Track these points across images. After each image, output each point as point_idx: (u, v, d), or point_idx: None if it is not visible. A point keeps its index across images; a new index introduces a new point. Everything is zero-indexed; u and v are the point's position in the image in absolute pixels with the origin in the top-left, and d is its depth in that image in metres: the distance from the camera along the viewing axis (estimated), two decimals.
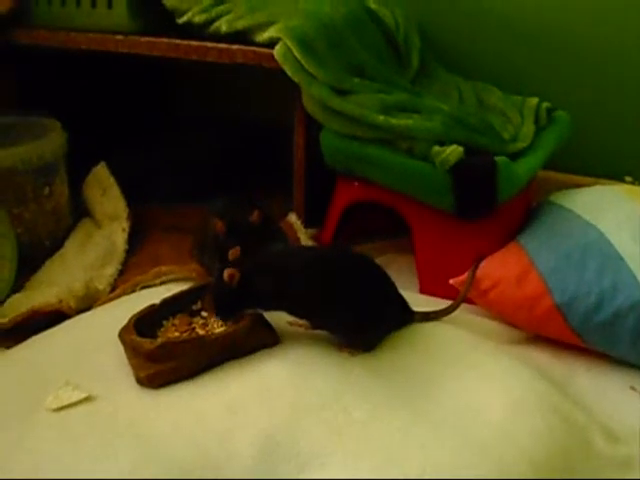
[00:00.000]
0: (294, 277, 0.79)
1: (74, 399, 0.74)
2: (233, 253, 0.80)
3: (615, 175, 1.32)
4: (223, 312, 0.80)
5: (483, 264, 0.97)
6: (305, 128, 1.07)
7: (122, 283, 1.01)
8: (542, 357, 0.91)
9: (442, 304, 0.93)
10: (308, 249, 0.96)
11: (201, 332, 0.81)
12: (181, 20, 1.09)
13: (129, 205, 1.18)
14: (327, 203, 1.14)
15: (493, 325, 0.97)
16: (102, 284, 1.02)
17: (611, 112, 1.29)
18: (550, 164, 1.16)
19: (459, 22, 1.33)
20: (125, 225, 1.14)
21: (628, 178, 1.34)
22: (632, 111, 1.28)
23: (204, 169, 1.32)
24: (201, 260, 0.95)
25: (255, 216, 0.89)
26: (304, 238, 1.10)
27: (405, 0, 1.31)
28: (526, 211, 1.11)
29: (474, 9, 1.32)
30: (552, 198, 1.10)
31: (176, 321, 0.83)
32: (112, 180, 1.19)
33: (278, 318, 0.83)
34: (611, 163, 1.32)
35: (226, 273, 0.77)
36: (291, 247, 0.94)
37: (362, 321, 0.81)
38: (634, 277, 0.88)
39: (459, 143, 0.96)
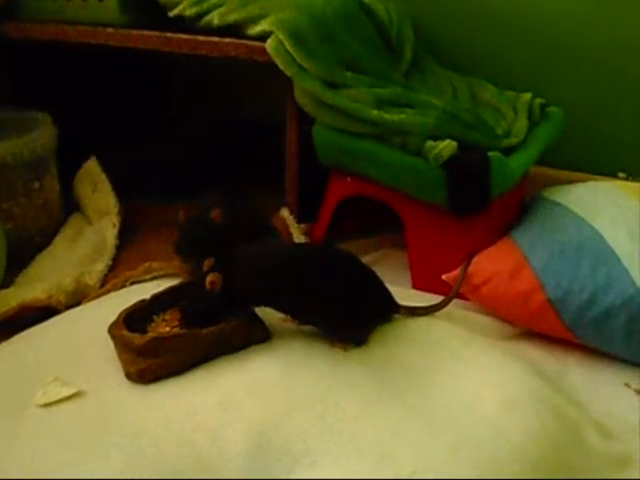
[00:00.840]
0: (277, 274, 0.78)
1: (63, 395, 0.73)
2: (207, 264, 0.79)
3: (608, 171, 1.32)
4: (209, 321, 0.78)
5: (476, 259, 0.97)
6: (297, 123, 1.07)
7: (112, 279, 1.01)
8: (535, 353, 0.91)
9: (434, 299, 0.93)
10: (290, 246, 0.95)
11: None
12: (172, 13, 1.08)
13: (121, 201, 1.17)
14: (320, 198, 1.14)
15: (486, 320, 0.96)
16: (92, 279, 1.01)
17: (604, 108, 1.28)
18: (543, 160, 1.16)
19: (453, 16, 1.33)
20: (116, 221, 1.13)
21: (621, 174, 1.34)
22: (625, 107, 1.27)
23: (196, 165, 1.31)
24: (184, 256, 0.94)
25: (215, 214, 0.88)
26: (297, 233, 1.10)
27: None
28: (519, 206, 1.11)
29: (468, 4, 1.31)
30: (545, 194, 1.10)
31: (167, 316, 0.82)
32: (103, 176, 1.18)
33: (270, 314, 0.83)
34: (604, 159, 1.32)
35: (207, 280, 0.76)
36: (273, 244, 0.94)
37: (347, 316, 0.81)
38: (627, 273, 0.88)
39: (452, 138, 0.95)
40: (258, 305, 0.81)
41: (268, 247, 0.85)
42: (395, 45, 1.17)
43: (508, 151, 1.03)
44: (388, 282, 0.88)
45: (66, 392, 0.73)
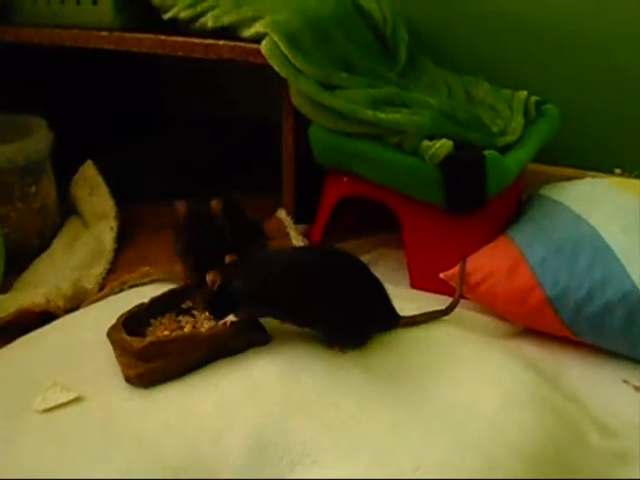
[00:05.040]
0: (275, 280, 0.78)
1: (63, 400, 0.73)
2: (229, 258, 0.79)
3: (605, 167, 1.32)
4: (212, 314, 0.80)
5: (473, 257, 0.97)
6: (294, 124, 1.07)
7: (111, 282, 1.01)
8: (534, 350, 0.91)
9: (433, 299, 0.93)
10: (290, 251, 0.94)
11: (190, 330, 0.80)
12: (167, 16, 1.08)
13: (118, 204, 1.16)
14: (317, 199, 1.14)
15: (484, 319, 0.97)
16: (90, 283, 1.01)
17: (600, 105, 1.29)
18: (540, 157, 1.16)
19: (447, 15, 1.33)
20: (113, 224, 1.13)
21: (617, 170, 1.34)
22: (621, 104, 1.28)
23: (193, 167, 1.31)
24: (185, 258, 0.94)
25: (215, 204, 0.89)
26: (294, 234, 1.10)
27: None
28: (516, 204, 1.11)
29: (462, 2, 1.32)
30: (542, 191, 1.10)
31: (165, 320, 0.82)
32: (100, 179, 1.18)
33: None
34: (600, 155, 1.32)
35: (208, 277, 0.76)
36: (273, 250, 0.94)
37: (347, 321, 0.80)
38: (624, 270, 0.88)
39: (448, 137, 0.96)
40: (258, 314, 0.81)
41: (266, 254, 0.84)
42: (390, 45, 1.17)
43: (504, 149, 1.04)
44: (386, 282, 0.87)
45: (65, 397, 0.73)
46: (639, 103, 1.27)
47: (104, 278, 1.04)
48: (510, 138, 1.06)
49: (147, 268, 0.93)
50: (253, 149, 1.36)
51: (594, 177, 1.18)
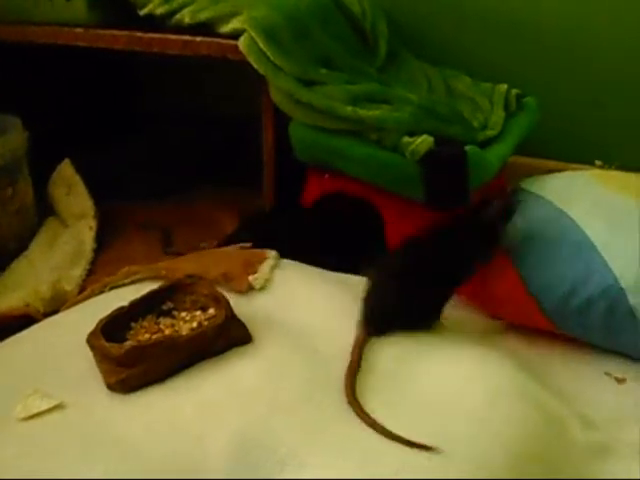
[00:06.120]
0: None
1: (44, 407, 0.72)
2: None
3: (585, 159, 1.33)
4: None
5: None
6: (273, 120, 1.05)
7: (91, 283, 1.00)
8: (518, 345, 0.92)
9: None
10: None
11: (170, 333, 0.79)
12: (142, 12, 1.06)
13: (98, 203, 1.15)
14: (299, 195, 1.13)
15: (467, 315, 0.97)
16: (70, 285, 1.00)
17: (580, 96, 1.29)
18: (521, 149, 1.16)
19: (427, 8, 1.32)
20: (92, 223, 1.12)
21: (598, 162, 1.33)
22: (601, 96, 1.28)
23: (174, 165, 1.30)
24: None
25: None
26: None
27: None
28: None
29: None
30: (524, 185, 1.10)
31: (145, 323, 0.81)
32: (77, 178, 1.16)
33: (251, 314, 0.82)
34: (581, 147, 1.33)
35: None
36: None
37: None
38: (605, 264, 0.89)
39: (429, 133, 0.95)
40: None
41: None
42: (369, 39, 1.16)
43: (485, 143, 1.04)
44: None
45: (46, 405, 0.72)
46: (619, 95, 1.28)
47: (84, 279, 1.03)
48: (491, 132, 1.06)
49: (128, 268, 0.92)
50: (235, 145, 1.35)
51: (575, 169, 1.18)
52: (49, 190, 1.19)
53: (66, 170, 1.18)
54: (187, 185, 1.29)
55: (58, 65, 1.26)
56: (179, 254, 1.04)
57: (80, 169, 1.19)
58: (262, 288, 0.92)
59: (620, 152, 1.31)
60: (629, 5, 1.22)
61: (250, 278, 0.90)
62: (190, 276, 0.87)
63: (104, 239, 1.13)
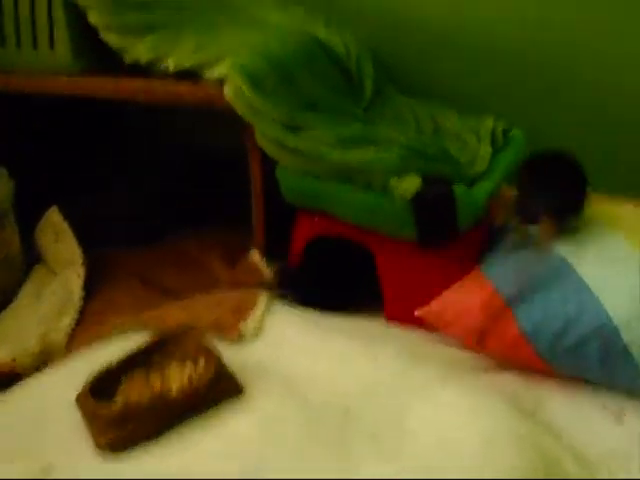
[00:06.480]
0: None
1: None
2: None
3: None
4: None
5: (446, 294, 0.96)
6: (260, 162, 1.05)
7: (80, 333, 0.98)
8: (513, 383, 0.91)
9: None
10: None
11: (160, 389, 0.77)
12: (127, 59, 1.05)
13: (85, 250, 1.14)
14: (290, 233, 1.12)
15: (461, 354, 0.96)
16: (59, 335, 0.99)
17: (565, 128, 1.29)
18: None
19: (412, 43, 1.33)
20: (80, 271, 1.10)
21: None
22: (584, 126, 1.29)
23: (160, 209, 1.28)
24: None
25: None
26: (268, 276, 1.08)
27: (356, 23, 1.30)
28: (488, 233, 1.10)
29: (426, 30, 1.32)
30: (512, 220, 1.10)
31: (135, 377, 0.80)
32: (65, 225, 1.15)
33: (242, 363, 0.81)
34: None
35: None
36: None
37: None
38: (597, 301, 0.88)
39: (416, 173, 0.95)
40: None
41: None
42: (355, 79, 1.17)
43: (473, 180, 1.03)
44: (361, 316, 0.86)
45: None
46: (604, 121, 1.29)
47: (73, 329, 1.01)
48: (478, 169, 1.06)
49: (114, 320, 0.91)
50: (224, 185, 1.34)
51: None
52: (36, 238, 1.18)
53: (53, 217, 1.16)
54: (175, 228, 1.28)
55: (43, 113, 1.26)
56: None
57: (68, 216, 1.17)
58: (253, 334, 0.91)
59: (606, 178, 1.33)
60: (614, 37, 1.23)
61: (241, 326, 0.89)
62: (180, 325, 0.86)
63: (92, 287, 1.11)
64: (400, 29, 1.33)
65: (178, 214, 1.27)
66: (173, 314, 0.91)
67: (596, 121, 1.29)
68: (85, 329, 1.01)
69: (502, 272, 0.96)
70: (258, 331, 0.90)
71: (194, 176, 1.32)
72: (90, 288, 1.11)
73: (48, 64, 1.09)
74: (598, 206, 1.10)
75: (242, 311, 0.91)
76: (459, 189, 0.96)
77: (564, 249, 0.95)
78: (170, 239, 1.28)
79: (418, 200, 0.94)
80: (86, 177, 1.31)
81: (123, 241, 1.21)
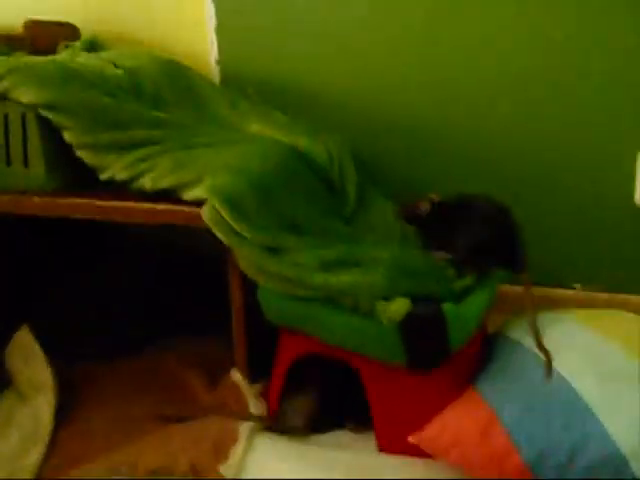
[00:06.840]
0: None
1: None
2: None
3: (565, 283, 1.33)
4: None
5: (442, 417, 0.91)
6: (240, 276, 0.99)
7: (47, 472, 0.91)
8: None
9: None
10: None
11: None
12: (103, 177, 1.02)
13: (58, 365, 1.07)
14: (273, 349, 1.06)
15: None
16: (25, 475, 0.92)
17: (558, 222, 1.30)
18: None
19: (396, 145, 1.33)
20: (51, 398, 1.04)
21: (577, 285, 1.33)
22: (577, 221, 1.29)
23: (138, 318, 1.23)
24: None
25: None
26: (250, 396, 1.02)
27: (338, 126, 1.29)
28: (482, 348, 1.05)
29: (410, 132, 1.32)
30: (506, 331, 1.06)
31: None
32: (36, 346, 1.09)
33: None
34: (560, 272, 1.32)
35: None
36: None
37: None
38: (602, 427, 0.84)
39: (404, 293, 0.91)
40: None
41: None
42: (338, 187, 1.15)
43: (462, 292, 0.99)
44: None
45: None
46: (591, 218, 1.28)
47: (40, 467, 0.94)
48: (467, 281, 1.01)
49: (82, 468, 0.84)
50: (202, 293, 1.29)
51: (556, 294, 1.16)
52: (6, 361, 1.11)
53: (23, 337, 1.10)
54: (151, 340, 1.22)
55: (14, 233, 1.21)
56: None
57: (39, 332, 1.11)
58: (235, 475, 0.84)
59: (600, 275, 1.31)
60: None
61: (221, 469, 0.83)
62: (154, 471, 0.79)
63: (64, 412, 1.05)
64: (383, 131, 1.33)
65: (158, 324, 1.21)
66: (147, 458, 0.84)
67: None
68: (53, 464, 0.95)
69: (499, 393, 0.91)
70: (239, 472, 0.84)
71: (173, 283, 1.28)
72: (62, 414, 1.04)
73: (22, 183, 1.05)
74: (593, 316, 1.07)
75: (222, 450, 0.84)
76: (448, 307, 0.92)
77: (562, 366, 0.90)
78: (149, 351, 1.22)
79: (407, 323, 0.89)
80: (58, 286, 1.25)
81: (100, 353, 1.15)
